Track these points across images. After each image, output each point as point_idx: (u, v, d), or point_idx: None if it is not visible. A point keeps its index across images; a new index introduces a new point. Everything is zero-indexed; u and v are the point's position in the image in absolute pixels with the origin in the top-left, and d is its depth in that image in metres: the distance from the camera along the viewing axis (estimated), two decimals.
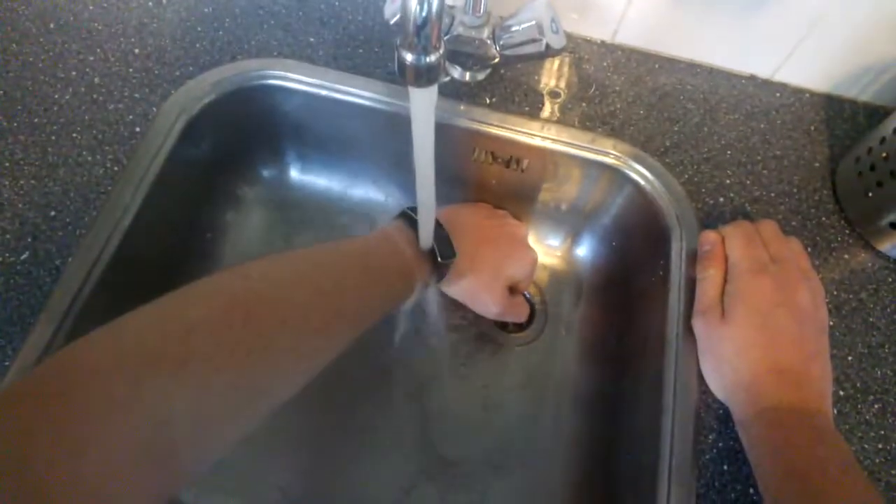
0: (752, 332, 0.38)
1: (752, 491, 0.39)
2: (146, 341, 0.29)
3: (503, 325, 0.58)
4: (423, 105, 0.31)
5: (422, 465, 0.52)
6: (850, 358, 0.44)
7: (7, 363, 0.39)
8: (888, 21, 0.50)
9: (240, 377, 0.31)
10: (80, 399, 0.26)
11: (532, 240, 0.60)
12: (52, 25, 0.54)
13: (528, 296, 0.60)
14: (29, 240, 0.44)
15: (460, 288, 0.50)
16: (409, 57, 0.28)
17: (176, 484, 0.29)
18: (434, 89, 0.30)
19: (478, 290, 0.50)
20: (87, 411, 0.25)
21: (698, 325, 0.42)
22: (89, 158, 0.47)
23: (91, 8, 0.55)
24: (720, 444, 0.41)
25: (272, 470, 0.51)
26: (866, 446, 0.41)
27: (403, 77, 0.29)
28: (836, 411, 0.42)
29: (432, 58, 0.28)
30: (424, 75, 0.28)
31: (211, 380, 0.30)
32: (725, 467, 0.40)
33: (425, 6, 0.26)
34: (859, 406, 0.42)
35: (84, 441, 0.25)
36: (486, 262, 0.50)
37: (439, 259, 0.46)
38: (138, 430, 0.26)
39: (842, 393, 0.43)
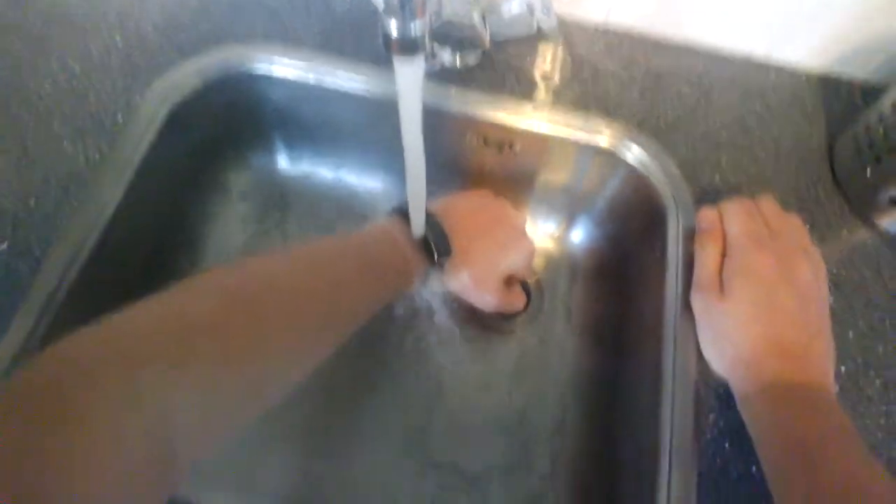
0: (752, 308, 0.38)
1: (754, 469, 0.39)
2: (144, 341, 0.29)
3: (499, 313, 0.57)
4: (409, 79, 0.30)
5: (420, 455, 0.51)
6: (850, 335, 0.43)
7: None
8: (881, 1, 0.49)
9: (239, 376, 0.31)
10: (75, 403, 0.25)
11: (527, 225, 0.59)
12: (30, 14, 0.52)
13: (523, 282, 0.59)
14: (8, 230, 0.42)
15: (456, 282, 0.50)
16: (393, 25, 0.27)
17: (174, 483, 0.28)
18: (420, 60, 0.29)
19: (474, 284, 0.50)
20: (84, 415, 0.25)
21: (697, 301, 0.41)
22: (70, 149, 0.46)
23: None
24: (721, 424, 0.40)
25: (271, 467, 0.51)
26: (868, 422, 0.40)
27: (388, 48, 0.28)
28: (838, 388, 0.41)
29: (416, 25, 0.27)
30: (409, 44, 0.27)
31: (210, 380, 0.30)
32: (727, 446, 0.39)
33: None
34: (860, 382, 0.42)
35: (81, 447, 0.24)
36: (481, 256, 0.49)
37: (436, 256, 0.45)
38: (136, 434, 0.26)
39: (843, 369, 0.42)
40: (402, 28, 0.27)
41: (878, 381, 0.42)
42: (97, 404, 0.25)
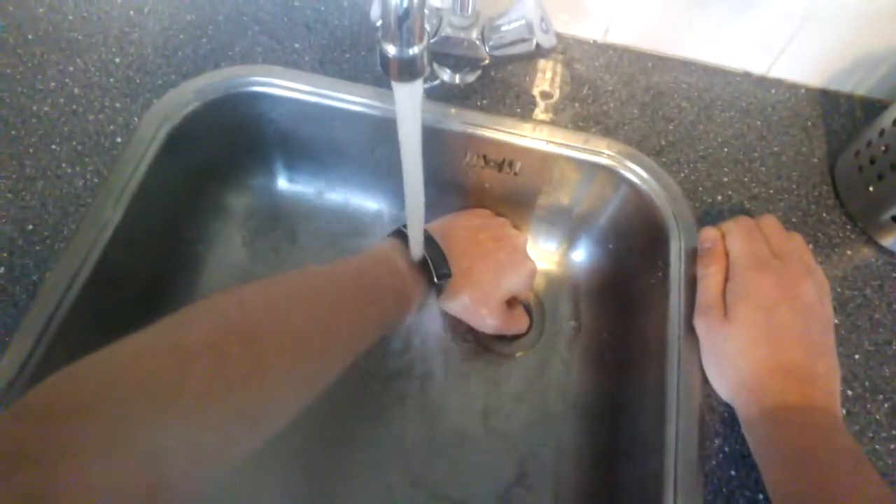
0: (755, 330, 0.37)
1: (761, 497, 0.38)
2: (138, 372, 0.28)
3: (501, 335, 0.57)
4: (407, 102, 0.30)
5: (420, 479, 0.51)
6: (857, 356, 0.43)
7: None
8: (880, 14, 0.49)
9: (236, 407, 0.31)
10: (66, 437, 0.24)
11: (528, 245, 0.59)
12: (30, 36, 0.53)
13: (525, 303, 0.58)
14: (4, 255, 0.42)
15: (457, 304, 0.49)
16: (391, 50, 0.27)
17: None
18: (419, 85, 0.29)
19: (475, 306, 0.49)
20: (74, 451, 0.24)
21: (700, 324, 0.40)
22: (69, 171, 0.46)
23: (70, 18, 0.54)
24: (726, 449, 0.39)
25: (265, 495, 0.50)
26: (878, 447, 0.40)
27: (387, 72, 0.28)
28: (845, 412, 0.40)
29: (415, 50, 0.26)
30: (408, 69, 0.27)
31: (206, 412, 0.29)
32: (733, 472, 0.38)
33: None
34: (869, 406, 0.41)
35: (70, 482, 0.24)
36: (482, 278, 0.49)
37: (435, 279, 0.45)
38: (129, 469, 0.25)
39: (850, 393, 0.41)
40: (400, 53, 0.27)
41: (886, 405, 0.41)
42: (88, 440, 0.25)
